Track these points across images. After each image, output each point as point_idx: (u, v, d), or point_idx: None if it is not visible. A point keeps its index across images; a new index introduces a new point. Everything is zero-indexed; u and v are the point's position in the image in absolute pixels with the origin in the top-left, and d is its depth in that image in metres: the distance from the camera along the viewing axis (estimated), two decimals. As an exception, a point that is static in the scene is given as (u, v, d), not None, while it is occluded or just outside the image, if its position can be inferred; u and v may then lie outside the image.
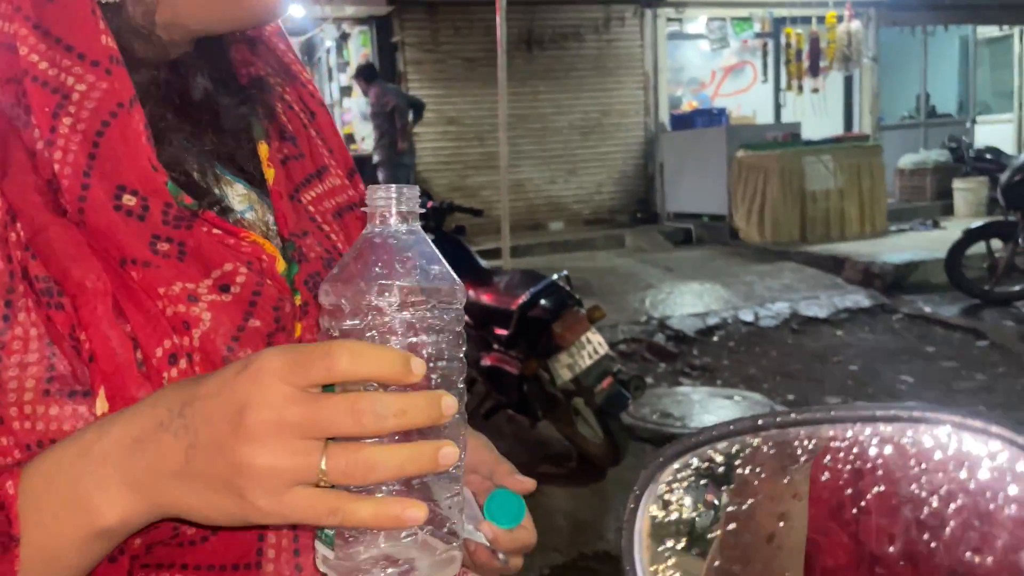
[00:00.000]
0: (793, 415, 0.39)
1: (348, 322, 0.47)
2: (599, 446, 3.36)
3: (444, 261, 0.50)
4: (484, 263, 3.92)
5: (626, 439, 3.39)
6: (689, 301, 6.30)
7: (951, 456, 0.36)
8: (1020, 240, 5.81)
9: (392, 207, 0.50)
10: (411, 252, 0.49)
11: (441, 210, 4.08)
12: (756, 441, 0.40)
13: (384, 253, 0.48)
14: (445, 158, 9.23)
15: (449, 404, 0.44)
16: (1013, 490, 0.34)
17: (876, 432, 0.37)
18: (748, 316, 5.95)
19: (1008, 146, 10.32)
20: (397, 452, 0.43)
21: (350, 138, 9.39)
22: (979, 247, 6.19)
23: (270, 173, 0.62)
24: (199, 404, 0.44)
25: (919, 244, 7.52)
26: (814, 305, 6.13)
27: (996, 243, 6.14)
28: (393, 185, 0.50)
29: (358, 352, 0.43)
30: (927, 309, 6.11)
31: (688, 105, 10.84)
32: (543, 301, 3.24)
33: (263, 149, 0.63)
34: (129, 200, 0.51)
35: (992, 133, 10.74)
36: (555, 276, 3.39)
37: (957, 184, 9.33)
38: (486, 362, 3.47)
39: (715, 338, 5.66)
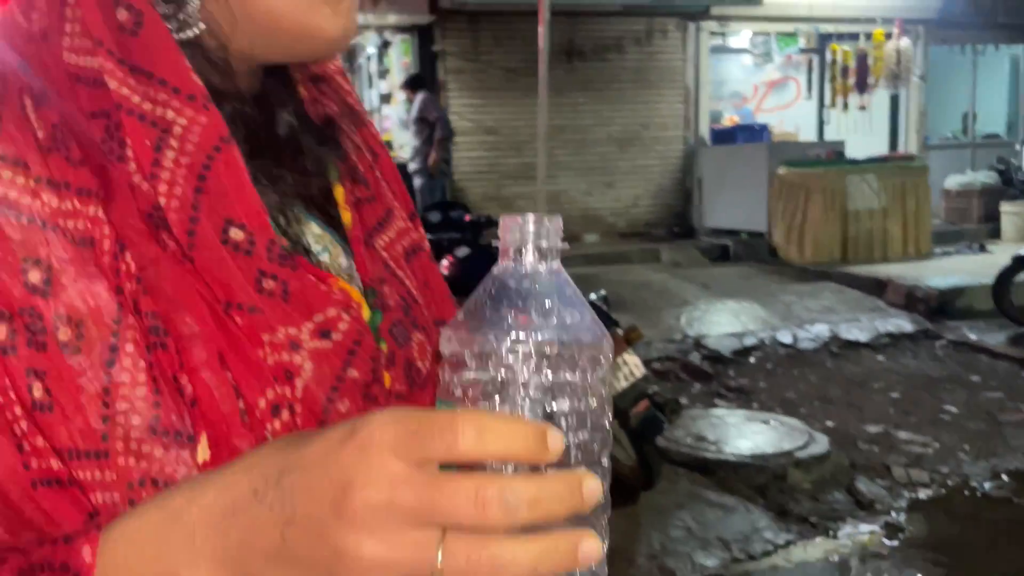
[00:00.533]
0: None
1: (472, 376, 0.40)
2: (632, 469, 3.30)
3: (589, 309, 0.43)
4: (520, 278, 3.88)
5: (660, 463, 3.32)
6: (725, 320, 6.20)
7: None
8: (1072, 268, 5.65)
9: (530, 242, 0.42)
10: (551, 297, 0.41)
11: (479, 224, 4.06)
12: None
13: (519, 298, 0.41)
14: (482, 167, 9.22)
15: (592, 489, 0.37)
16: None
17: None
18: (786, 337, 5.84)
19: (1059, 169, 10.06)
20: (529, 548, 0.36)
21: (388, 145, 9.42)
22: (1028, 274, 6.03)
23: (347, 216, 0.60)
24: (299, 474, 0.38)
25: (965, 268, 7.34)
26: (855, 328, 6.01)
27: (1046, 270, 5.98)
28: (533, 215, 0.43)
29: (486, 427, 0.36)
30: (972, 336, 5.95)
31: (729, 120, 10.73)
32: (579, 320, 3.18)
33: (339, 191, 0.61)
34: (236, 234, 0.49)
35: (1042, 155, 10.48)
36: (592, 296, 3.33)
37: (1005, 207, 9.11)
38: (519, 379, 3.42)
39: (752, 359, 5.56)
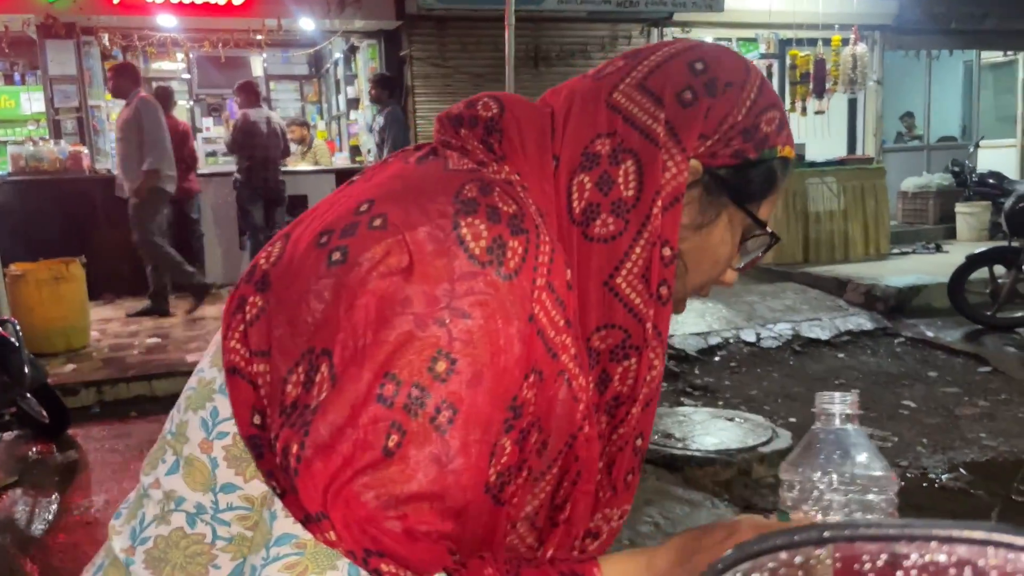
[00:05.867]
0: (862, 528, 0.38)
1: (796, 495, 0.68)
2: (601, 467, 3.35)
3: (878, 454, 0.67)
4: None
5: (628, 460, 3.38)
6: (691, 320, 6.30)
7: None
8: (1023, 266, 5.82)
9: (838, 411, 0.70)
10: (852, 447, 0.67)
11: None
12: (822, 553, 0.39)
13: (834, 447, 0.69)
14: (450, 172, 9.23)
15: None
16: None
17: (953, 552, 0.36)
18: (750, 336, 5.96)
19: (1011, 171, 10.33)
20: None
21: (356, 150, 9.41)
22: (982, 272, 6.20)
23: None
24: (702, 555, 0.67)
25: (921, 267, 7.53)
26: (816, 327, 6.14)
27: (999, 268, 6.15)
28: (839, 394, 0.70)
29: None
30: (929, 333, 6.11)
31: (692, 124, 10.84)
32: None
33: None
34: None
35: (995, 158, 10.76)
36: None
37: (960, 208, 9.34)
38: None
39: (717, 358, 5.67)
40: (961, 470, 3.96)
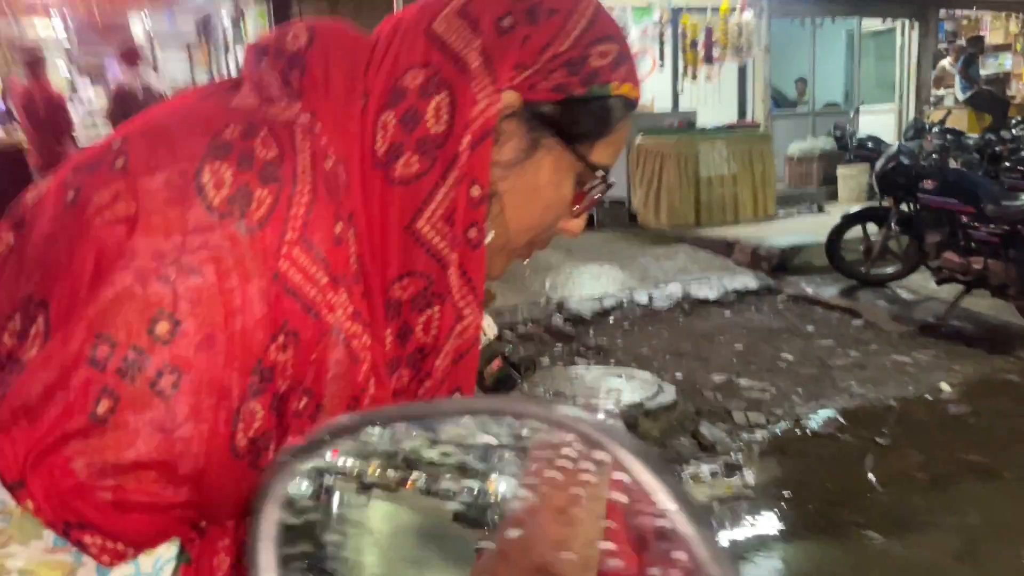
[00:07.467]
0: (403, 410, 0.50)
1: None
2: (491, 426, 3.42)
3: None
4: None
5: (517, 419, 3.46)
6: (587, 283, 6.43)
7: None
8: (892, 225, 6.16)
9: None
10: None
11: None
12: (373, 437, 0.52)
13: None
14: (346, 139, 9.08)
15: None
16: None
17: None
18: (643, 298, 6.13)
19: (889, 135, 10.82)
20: None
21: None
22: (857, 231, 6.53)
23: None
24: None
25: (804, 228, 7.87)
26: (705, 287, 6.36)
27: (872, 227, 6.49)
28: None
29: None
30: (809, 290, 6.42)
31: (590, 90, 10.92)
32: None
33: None
34: None
35: (874, 122, 11.27)
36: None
37: (841, 171, 9.77)
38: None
39: (611, 319, 5.81)
40: (835, 417, 4.21)
